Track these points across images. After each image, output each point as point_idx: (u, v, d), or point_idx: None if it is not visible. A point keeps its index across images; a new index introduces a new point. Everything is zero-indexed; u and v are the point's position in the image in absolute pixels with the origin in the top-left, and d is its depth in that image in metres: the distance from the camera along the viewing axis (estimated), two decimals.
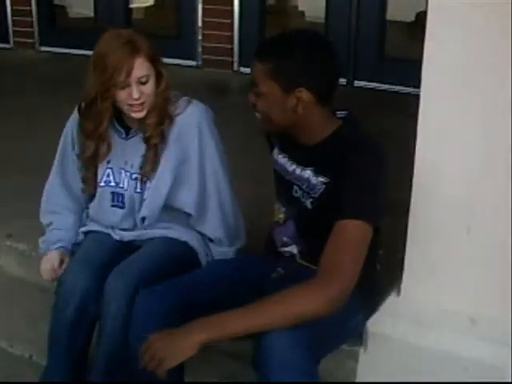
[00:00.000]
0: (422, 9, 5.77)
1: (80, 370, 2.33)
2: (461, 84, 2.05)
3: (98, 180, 2.38)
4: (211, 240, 2.45)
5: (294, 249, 2.20)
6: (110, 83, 2.17)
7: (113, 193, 2.39)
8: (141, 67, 2.20)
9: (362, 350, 2.28)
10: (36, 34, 7.17)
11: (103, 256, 2.34)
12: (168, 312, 1.96)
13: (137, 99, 2.21)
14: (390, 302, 2.30)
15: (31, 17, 7.15)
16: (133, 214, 2.39)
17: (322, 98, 2.01)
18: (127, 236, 2.41)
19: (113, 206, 2.40)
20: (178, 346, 1.80)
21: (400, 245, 2.26)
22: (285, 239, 2.21)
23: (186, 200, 2.38)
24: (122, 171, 2.36)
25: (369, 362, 2.28)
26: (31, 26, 7.16)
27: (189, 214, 2.42)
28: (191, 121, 2.33)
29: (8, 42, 7.29)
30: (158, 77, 2.26)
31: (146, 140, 2.31)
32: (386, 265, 2.26)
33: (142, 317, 2.01)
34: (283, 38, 2.06)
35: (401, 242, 2.25)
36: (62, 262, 2.40)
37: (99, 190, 2.39)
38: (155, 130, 2.28)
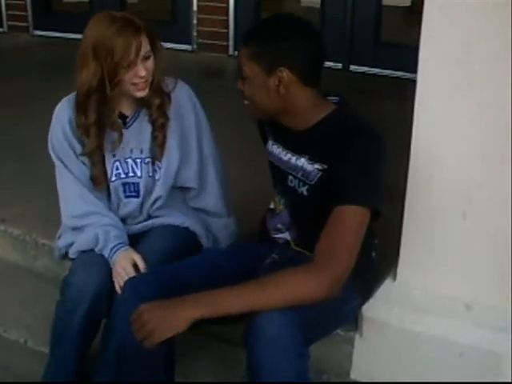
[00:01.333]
0: None
1: (82, 364, 2.29)
2: (458, 70, 2.03)
3: (108, 176, 2.33)
4: (209, 215, 2.46)
5: (287, 235, 2.19)
6: (119, 66, 2.14)
7: (124, 184, 2.35)
8: (145, 44, 2.18)
9: (357, 336, 2.29)
10: (30, 17, 7.13)
11: None
12: (156, 298, 1.93)
13: (143, 77, 2.19)
14: (386, 288, 2.31)
15: (25, 0, 7.09)
16: (144, 201, 2.38)
17: (305, 78, 2.01)
18: (131, 230, 2.38)
19: (127, 196, 2.37)
20: (170, 320, 1.79)
21: (396, 229, 2.25)
22: (278, 226, 2.21)
23: (189, 175, 2.39)
24: (130, 160, 2.33)
25: (364, 347, 2.28)
26: (25, 10, 7.12)
27: (187, 192, 2.44)
28: (185, 96, 2.36)
29: (2, 26, 7.25)
30: (154, 52, 2.24)
31: (153, 122, 2.31)
32: (381, 249, 2.26)
33: (129, 302, 1.99)
34: (265, 23, 2.12)
35: (397, 227, 2.25)
36: (134, 263, 2.21)
37: (111, 185, 2.35)
38: (160, 111, 2.29)
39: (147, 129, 2.33)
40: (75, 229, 2.34)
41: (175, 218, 2.40)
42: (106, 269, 2.23)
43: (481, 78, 2.02)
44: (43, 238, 2.96)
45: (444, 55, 2.04)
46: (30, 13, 7.11)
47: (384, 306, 2.25)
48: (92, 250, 2.28)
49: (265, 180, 2.32)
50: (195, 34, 6.33)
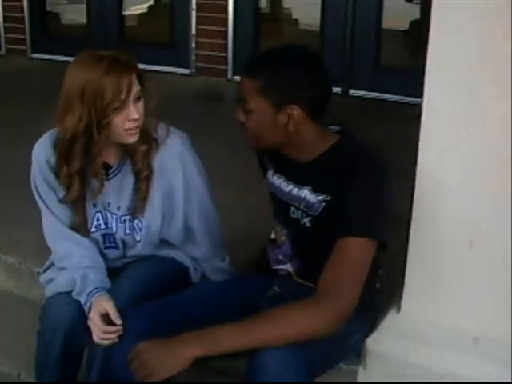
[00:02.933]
0: (415, 17, 5.79)
1: None
2: (464, 95, 1.99)
3: (89, 226, 2.21)
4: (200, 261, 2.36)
5: (289, 267, 2.14)
6: (108, 108, 1.97)
7: (104, 235, 2.25)
8: (136, 83, 2.03)
9: (360, 369, 2.22)
10: (28, 41, 7.14)
11: None
12: (150, 333, 1.87)
13: (136, 120, 2.02)
14: (390, 320, 2.24)
15: (23, 23, 7.11)
16: (126, 252, 2.29)
17: (314, 114, 1.96)
18: (114, 264, 2.29)
19: (106, 248, 2.27)
20: (169, 359, 1.74)
21: (400, 258, 2.20)
22: (280, 257, 2.15)
23: (172, 233, 2.27)
24: (108, 213, 2.22)
25: (368, 380, 2.22)
26: (23, 33, 7.12)
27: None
28: (173, 153, 2.17)
29: (0, 49, 7.23)
30: (144, 93, 2.07)
31: (137, 173, 2.15)
32: (384, 279, 2.20)
33: (123, 339, 1.94)
34: (272, 54, 2.01)
35: (401, 256, 2.19)
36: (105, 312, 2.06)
37: (91, 235, 2.24)
38: (145, 160, 2.13)
39: (129, 184, 2.18)
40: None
41: (161, 249, 2.31)
42: None
43: (488, 103, 1.97)
44: (38, 266, 2.87)
45: (450, 81, 2.00)
46: (28, 36, 7.12)
47: (388, 339, 2.18)
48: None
49: (265, 208, 2.26)
50: (194, 57, 6.32)
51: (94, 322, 2.04)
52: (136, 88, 2.02)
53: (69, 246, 2.22)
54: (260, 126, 1.95)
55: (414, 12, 5.78)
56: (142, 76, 2.07)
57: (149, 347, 1.77)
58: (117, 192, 2.19)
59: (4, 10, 7.18)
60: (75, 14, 7.37)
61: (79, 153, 2.06)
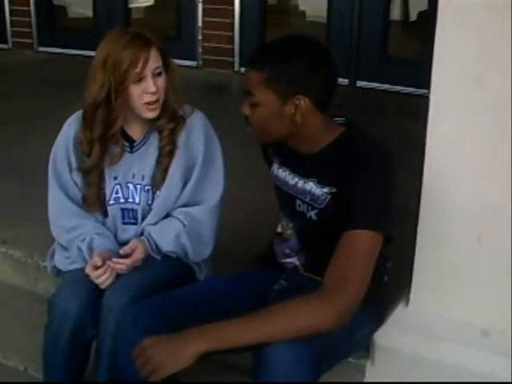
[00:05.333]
0: (423, 8, 5.75)
1: None
2: (472, 88, 1.97)
3: (107, 198, 2.28)
4: None
5: (296, 260, 2.12)
6: (124, 76, 2.10)
7: (123, 209, 2.29)
8: (155, 58, 2.14)
9: (368, 363, 2.21)
10: (34, 34, 7.14)
11: None
12: (157, 328, 1.86)
13: (154, 93, 2.14)
14: (398, 313, 2.23)
15: (30, 17, 7.11)
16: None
17: (321, 105, 1.94)
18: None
19: (124, 223, 2.31)
20: (175, 355, 1.72)
21: (408, 251, 2.18)
22: (287, 251, 2.14)
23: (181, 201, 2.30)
24: (130, 185, 2.28)
25: (376, 375, 2.21)
26: (30, 27, 7.12)
27: None
28: (198, 126, 2.28)
29: (6, 43, 7.25)
30: (167, 72, 2.20)
31: (161, 148, 2.24)
32: (393, 273, 2.18)
33: (130, 334, 1.92)
34: (278, 45, 1.99)
35: (409, 249, 2.17)
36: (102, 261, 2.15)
37: (109, 208, 2.29)
38: (170, 137, 2.23)
39: (153, 154, 2.26)
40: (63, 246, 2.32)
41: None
42: (89, 288, 2.17)
43: (496, 96, 1.95)
44: (45, 260, 2.84)
45: (458, 73, 1.98)
46: (34, 29, 7.11)
47: (397, 333, 2.17)
48: (79, 270, 2.21)
49: (271, 202, 2.24)
50: (200, 49, 6.30)
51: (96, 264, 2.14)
52: (155, 63, 2.14)
53: (76, 220, 2.28)
54: (266, 118, 1.93)
55: (422, 3, 5.73)
56: (165, 54, 2.19)
57: (154, 343, 1.75)
58: (140, 163, 2.28)
59: (10, 4, 7.18)
60: (81, 8, 7.36)
61: (100, 120, 2.18)
